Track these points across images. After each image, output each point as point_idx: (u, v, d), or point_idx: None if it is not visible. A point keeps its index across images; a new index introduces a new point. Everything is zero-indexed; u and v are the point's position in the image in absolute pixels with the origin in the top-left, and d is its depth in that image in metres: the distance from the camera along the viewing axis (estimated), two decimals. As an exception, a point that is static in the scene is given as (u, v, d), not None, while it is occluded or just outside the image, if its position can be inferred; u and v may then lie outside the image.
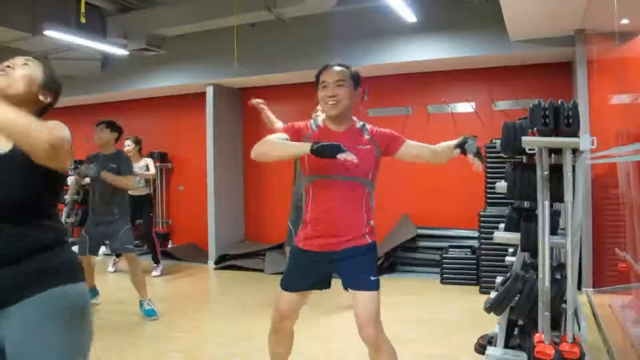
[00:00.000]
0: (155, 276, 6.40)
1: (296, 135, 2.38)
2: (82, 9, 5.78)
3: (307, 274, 2.44)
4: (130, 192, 5.24)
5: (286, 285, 2.47)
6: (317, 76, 2.43)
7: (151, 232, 6.56)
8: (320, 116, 4.26)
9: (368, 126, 2.46)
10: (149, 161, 6.59)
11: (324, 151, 2.09)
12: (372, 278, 2.33)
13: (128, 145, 6.37)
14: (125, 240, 4.59)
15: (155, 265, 6.56)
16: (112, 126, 4.68)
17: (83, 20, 5.85)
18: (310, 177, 2.40)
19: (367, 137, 2.40)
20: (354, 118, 2.48)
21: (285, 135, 2.35)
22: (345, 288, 2.41)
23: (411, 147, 2.43)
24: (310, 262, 2.42)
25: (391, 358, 2.36)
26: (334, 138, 2.28)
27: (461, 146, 2.28)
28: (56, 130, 1.46)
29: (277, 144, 2.25)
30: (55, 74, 1.70)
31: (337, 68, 2.39)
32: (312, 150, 2.11)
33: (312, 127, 2.44)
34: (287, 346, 2.62)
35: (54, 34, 5.78)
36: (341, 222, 2.35)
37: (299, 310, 2.53)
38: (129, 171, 4.58)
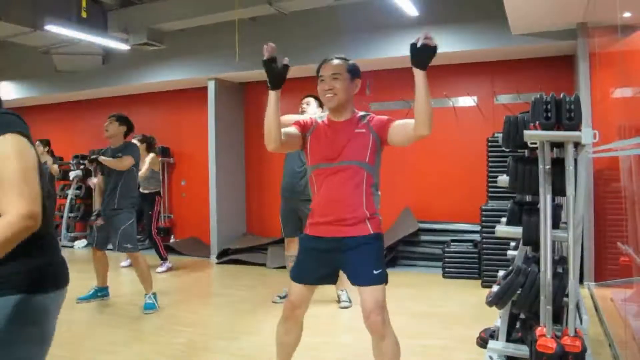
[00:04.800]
0: (160, 272, 6.38)
1: (302, 127, 2.52)
2: (84, 4, 5.79)
3: (315, 266, 2.49)
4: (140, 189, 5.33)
5: (295, 276, 2.53)
6: (317, 70, 2.50)
7: (152, 231, 6.53)
8: (307, 112, 4.41)
9: (369, 115, 2.50)
10: (148, 158, 6.52)
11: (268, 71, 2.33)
12: (374, 272, 2.35)
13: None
14: (125, 239, 4.60)
15: (161, 262, 6.55)
16: (121, 120, 4.73)
17: (84, 14, 5.85)
18: (312, 166, 2.49)
19: (364, 122, 2.46)
20: (356, 110, 2.53)
21: (291, 127, 2.50)
22: (352, 283, 2.44)
23: (397, 127, 2.40)
24: (318, 252, 2.47)
25: (394, 348, 2.38)
26: (335, 127, 2.45)
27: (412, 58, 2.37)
28: (19, 210, 1.31)
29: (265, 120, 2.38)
30: None
31: (335, 62, 2.46)
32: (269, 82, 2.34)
33: (316, 122, 2.56)
34: (295, 336, 2.64)
35: (55, 29, 5.78)
36: (338, 205, 2.40)
37: (309, 300, 2.56)
38: (127, 154, 4.63)
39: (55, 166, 7.46)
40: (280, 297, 4.80)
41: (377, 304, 2.32)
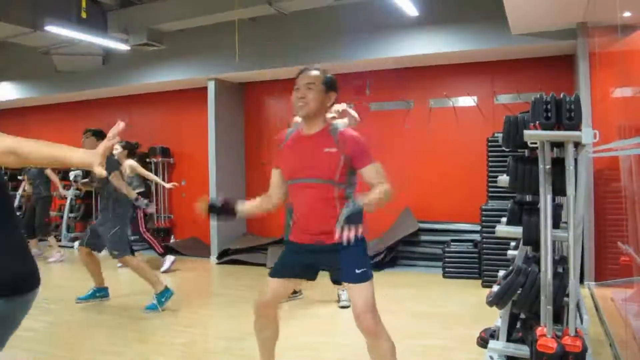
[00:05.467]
0: (164, 271, 6.34)
1: (276, 157, 2.63)
2: (83, 4, 5.79)
3: (294, 261, 2.55)
4: None
5: (273, 272, 2.58)
6: (295, 80, 2.54)
7: (141, 231, 6.55)
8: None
9: (340, 128, 2.50)
10: (128, 163, 6.54)
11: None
12: (357, 271, 2.40)
13: (116, 149, 6.42)
14: (113, 245, 4.68)
15: (162, 260, 6.53)
16: (97, 134, 4.79)
17: (84, 15, 5.85)
18: (287, 182, 2.56)
19: (334, 140, 2.44)
20: (330, 121, 2.56)
21: (274, 173, 2.63)
22: (333, 282, 2.50)
23: (367, 176, 2.42)
24: (303, 250, 2.53)
25: (389, 346, 2.41)
26: (304, 143, 2.49)
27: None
28: None
29: None
30: None
31: (312, 72, 2.48)
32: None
33: (287, 136, 2.59)
34: (273, 331, 2.68)
35: (55, 29, 5.78)
36: (316, 220, 2.45)
37: (282, 299, 2.63)
38: (112, 168, 4.68)
39: (48, 170, 7.59)
40: None
41: (366, 304, 2.37)
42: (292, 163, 2.51)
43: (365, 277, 2.40)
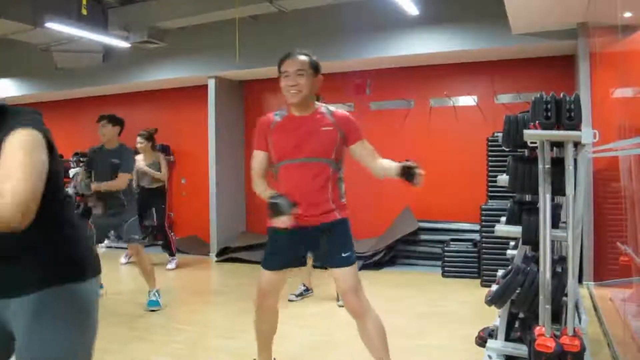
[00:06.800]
0: (170, 269, 6.42)
1: (264, 140, 2.57)
2: (84, 1, 5.78)
3: (282, 252, 2.57)
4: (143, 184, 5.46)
5: (265, 265, 2.61)
6: (279, 65, 2.55)
7: (164, 225, 6.57)
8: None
9: (332, 109, 2.57)
10: (161, 158, 6.56)
11: (273, 209, 2.32)
12: (343, 255, 2.46)
13: (140, 143, 6.36)
14: (131, 231, 4.58)
15: (170, 258, 6.59)
16: (113, 120, 4.63)
17: (84, 12, 5.84)
18: (279, 163, 2.55)
19: (330, 119, 2.51)
20: (318, 104, 2.60)
21: (260, 155, 2.58)
22: (320, 266, 2.54)
23: (362, 148, 2.52)
24: (285, 241, 2.53)
25: (377, 325, 2.47)
26: (298, 122, 2.50)
27: (403, 174, 2.34)
28: (17, 186, 1.21)
29: (255, 185, 2.58)
30: None
31: (300, 57, 2.52)
32: (268, 202, 2.36)
33: (275, 118, 2.58)
34: (271, 324, 2.71)
35: (56, 26, 5.78)
36: (306, 199, 2.45)
37: (279, 289, 2.64)
38: (128, 169, 4.56)
39: None
40: (296, 295, 4.82)
41: (350, 285, 2.44)
42: (285, 144, 2.51)
43: (350, 261, 2.46)
